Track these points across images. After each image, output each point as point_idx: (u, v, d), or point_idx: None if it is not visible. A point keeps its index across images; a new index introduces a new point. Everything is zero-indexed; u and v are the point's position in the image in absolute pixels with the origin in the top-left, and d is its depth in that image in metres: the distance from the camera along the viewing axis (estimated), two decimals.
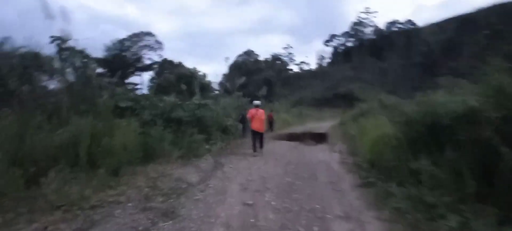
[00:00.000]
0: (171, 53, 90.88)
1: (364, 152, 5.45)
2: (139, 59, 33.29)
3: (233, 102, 14.51)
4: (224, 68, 60.51)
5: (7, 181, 3.33)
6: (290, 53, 54.71)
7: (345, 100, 30.61)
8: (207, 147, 7.25)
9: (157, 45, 50.31)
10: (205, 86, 21.22)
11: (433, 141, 3.48)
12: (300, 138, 12.16)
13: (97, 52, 26.32)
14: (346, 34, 53.03)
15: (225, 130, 10.18)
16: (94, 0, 68.16)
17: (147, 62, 39.42)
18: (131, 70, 27.31)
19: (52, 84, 6.16)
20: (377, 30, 48.71)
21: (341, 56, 52.81)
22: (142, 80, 36.61)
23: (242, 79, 17.91)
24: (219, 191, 3.83)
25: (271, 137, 10.71)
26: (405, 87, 28.17)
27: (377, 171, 4.30)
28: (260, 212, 3.08)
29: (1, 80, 5.11)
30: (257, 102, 7.77)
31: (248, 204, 3.27)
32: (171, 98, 8.97)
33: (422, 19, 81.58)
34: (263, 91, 19.03)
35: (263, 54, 64.61)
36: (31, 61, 5.81)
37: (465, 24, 31.27)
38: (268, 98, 25.02)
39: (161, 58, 42.37)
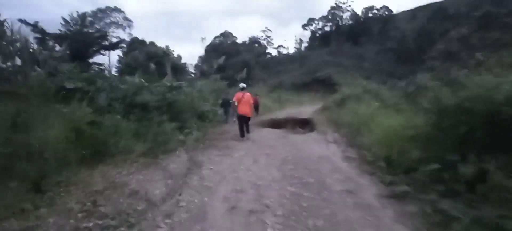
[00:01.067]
0: (142, 33, 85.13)
1: (373, 145, 4.52)
2: (104, 36, 29.82)
3: (210, 85, 13.27)
4: (200, 51, 57.68)
5: None
6: (269, 37, 53.38)
7: (324, 85, 30.43)
8: (180, 138, 5.98)
9: (126, 22, 46.20)
10: (179, 68, 19.39)
11: (493, 137, 2.59)
12: (283, 124, 11.30)
13: (57, 27, 22.98)
14: (324, 19, 52.48)
15: (202, 116, 8.96)
16: None
17: (114, 40, 35.91)
18: (95, 48, 24.23)
19: None
20: (354, 15, 48.58)
21: (319, 40, 52.36)
22: (109, 60, 33.53)
23: (222, 59, 16.46)
24: (194, 214, 2.60)
25: (254, 123, 9.59)
26: (381, 73, 28.53)
27: (401, 173, 3.36)
28: None
29: None
30: (243, 85, 7.53)
31: None
32: (135, 79, 7.46)
33: (398, 6, 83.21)
34: (243, 74, 17.77)
35: (241, 37, 62.43)
36: None
37: (437, 12, 31.78)
38: (247, 82, 23.94)
39: (131, 37, 39.02)
